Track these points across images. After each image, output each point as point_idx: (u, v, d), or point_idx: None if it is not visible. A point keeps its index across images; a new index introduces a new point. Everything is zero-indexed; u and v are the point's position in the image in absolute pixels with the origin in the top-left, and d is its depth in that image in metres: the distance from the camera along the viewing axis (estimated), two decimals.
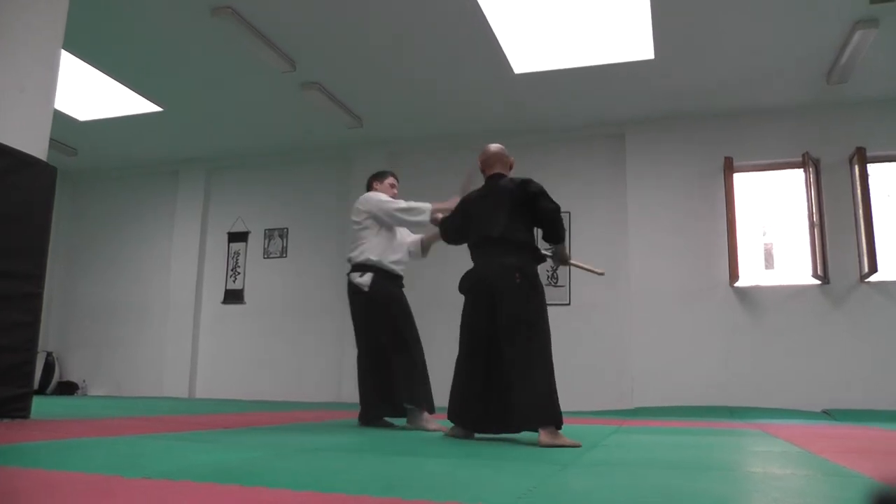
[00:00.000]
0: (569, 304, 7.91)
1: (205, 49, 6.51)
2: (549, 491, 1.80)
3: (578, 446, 3.06)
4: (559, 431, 3.14)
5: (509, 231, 3.48)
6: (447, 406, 3.54)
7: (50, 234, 4.29)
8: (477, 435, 3.51)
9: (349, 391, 5.28)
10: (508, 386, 3.29)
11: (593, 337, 7.76)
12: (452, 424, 3.57)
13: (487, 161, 3.76)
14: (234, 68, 6.87)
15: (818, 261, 6.97)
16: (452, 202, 4.03)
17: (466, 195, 3.83)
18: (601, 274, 3.94)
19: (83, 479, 1.79)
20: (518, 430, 3.38)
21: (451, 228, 3.88)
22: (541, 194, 3.51)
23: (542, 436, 3.11)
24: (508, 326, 3.35)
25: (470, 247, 3.68)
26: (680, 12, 5.67)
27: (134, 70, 7.03)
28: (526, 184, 3.52)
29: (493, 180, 3.68)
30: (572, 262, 3.85)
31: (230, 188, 9.78)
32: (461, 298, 3.64)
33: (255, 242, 9.50)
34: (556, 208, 3.47)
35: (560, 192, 8.04)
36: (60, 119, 7.66)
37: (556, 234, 3.52)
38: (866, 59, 6.23)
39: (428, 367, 4.28)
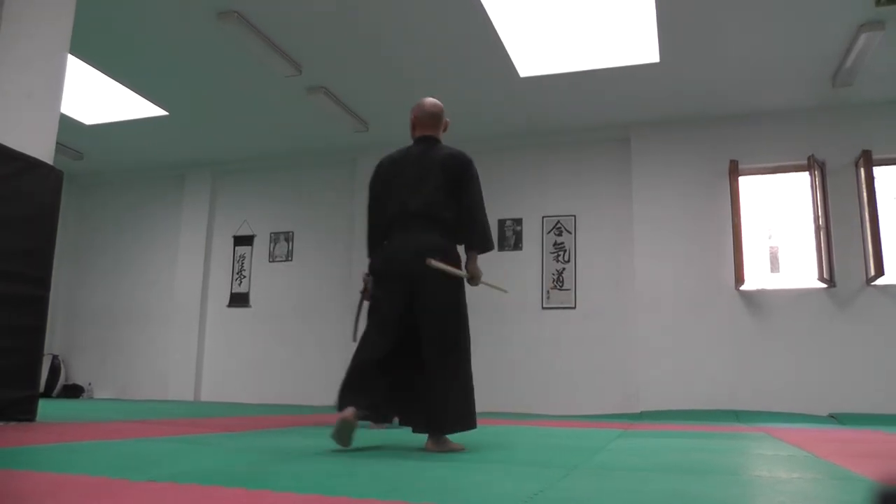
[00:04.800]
0: (574, 307, 7.90)
1: (211, 53, 6.53)
2: (555, 495, 1.80)
3: (462, 449, 2.96)
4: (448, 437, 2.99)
5: (434, 206, 3.07)
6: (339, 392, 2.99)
7: (56, 238, 4.30)
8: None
9: None
10: (425, 384, 2.97)
11: (599, 340, 7.75)
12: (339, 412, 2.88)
13: (420, 119, 3.31)
14: (240, 72, 6.89)
15: (824, 264, 6.94)
16: None
17: (386, 157, 3.32)
18: (506, 291, 3.79)
19: (89, 482, 1.80)
20: (421, 431, 3.03)
21: (371, 207, 3.31)
22: (476, 180, 3.13)
23: (439, 441, 2.94)
24: (428, 318, 2.99)
25: (386, 223, 3.20)
26: (685, 16, 5.66)
27: (140, 74, 7.06)
28: (465, 162, 3.15)
29: (425, 144, 3.25)
30: (483, 280, 3.26)
31: (236, 192, 9.80)
32: None
33: (261, 246, 9.52)
34: (482, 203, 3.14)
35: (565, 196, 8.15)
36: (67, 123, 7.70)
37: (485, 237, 3.12)
38: (872, 61, 6.22)
39: None
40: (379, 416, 3.06)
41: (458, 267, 3.09)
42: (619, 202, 8.00)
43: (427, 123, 3.31)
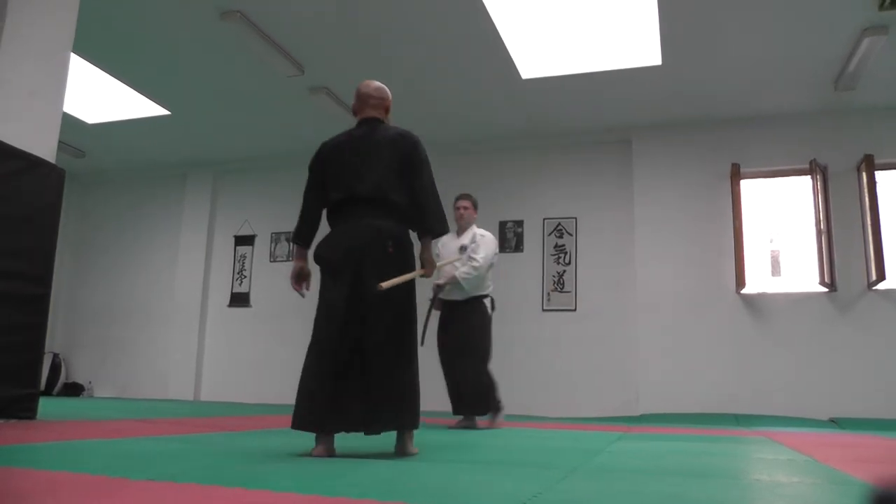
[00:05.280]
0: (575, 309, 7.90)
1: (213, 53, 6.53)
2: (554, 497, 1.79)
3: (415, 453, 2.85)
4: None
5: (383, 189, 2.88)
6: (293, 412, 2.86)
7: (58, 236, 4.31)
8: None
9: None
10: (369, 379, 2.73)
11: (599, 343, 7.74)
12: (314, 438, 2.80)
13: (359, 102, 3.12)
14: (243, 72, 6.90)
15: (825, 268, 6.93)
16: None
17: (328, 140, 3.11)
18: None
19: (88, 480, 1.80)
20: (375, 433, 2.80)
21: (309, 190, 3.15)
22: (426, 161, 2.97)
23: (405, 442, 2.84)
24: (373, 308, 2.75)
25: (330, 209, 3.02)
26: (687, 19, 5.66)
27: (143, 73, 7.07)
28: (414, 142, 2.98)
29: (368, 125, 3.06)
30: (439, 263, 3.15)
31: (237, 191, 9.81)
32: None
33: (262, 246, 9.52)
34: (433, 184, 2.97)
35: (566, 198, 8.15)
36: (69, 122, 7.71)
37: (438, 220, 2.94)
38: (875, 65, 6.21)
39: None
40: (336, 430, 2.81)
41: (409, 256, 2.93)
42: (620, 205, 7.99)
43: (370, 104, 3.10)
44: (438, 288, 5.01)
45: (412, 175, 2.92)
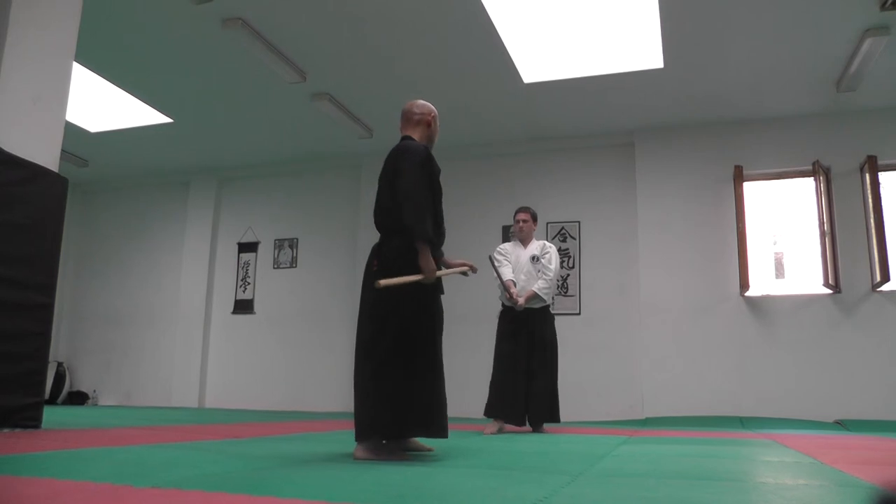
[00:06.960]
0: (579, 313, 7.89)
1: (215, 60, 6.55)
2: (560, 501, 1.79)
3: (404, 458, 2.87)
4: (383, 443, 2.86)
5: (378, 212, 3.04)
6: None
7: (61, 245, 4.31)
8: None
9: None
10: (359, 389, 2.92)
11: (603, 346, 7.73)
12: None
13: (401, 121, 3.24)
14: (245, 79, 6.92)
15: (829, 270, 6.92)
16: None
17: None
18: (473, 270, 3.32)
19: (93, 489, 1.80)
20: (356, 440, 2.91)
21: None
22: (410, 166, 2.90)
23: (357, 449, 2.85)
24: (363, 314, 2.98)
25: None
26: (689, 21, 5.67)
27: (145, 81, 7.09)
28: (395, 154, 2.98)
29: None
30: (441, 272, 3.03)
31: (241, 198, 9.82)
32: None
33: (265, 252, 9.53)
34: (411, 187, 2.86)
35: (569, 202, 8.14)
36: (72, 131, 7.73)
37: (412, 226, 2.83)
38: (876, 66, 6.21)
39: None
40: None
41: (396, 270, 2.88)
42: (623, 208, 7.99)
43: (413, 121, 3.20)
44: (520, 307, 5.15)
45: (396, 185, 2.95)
